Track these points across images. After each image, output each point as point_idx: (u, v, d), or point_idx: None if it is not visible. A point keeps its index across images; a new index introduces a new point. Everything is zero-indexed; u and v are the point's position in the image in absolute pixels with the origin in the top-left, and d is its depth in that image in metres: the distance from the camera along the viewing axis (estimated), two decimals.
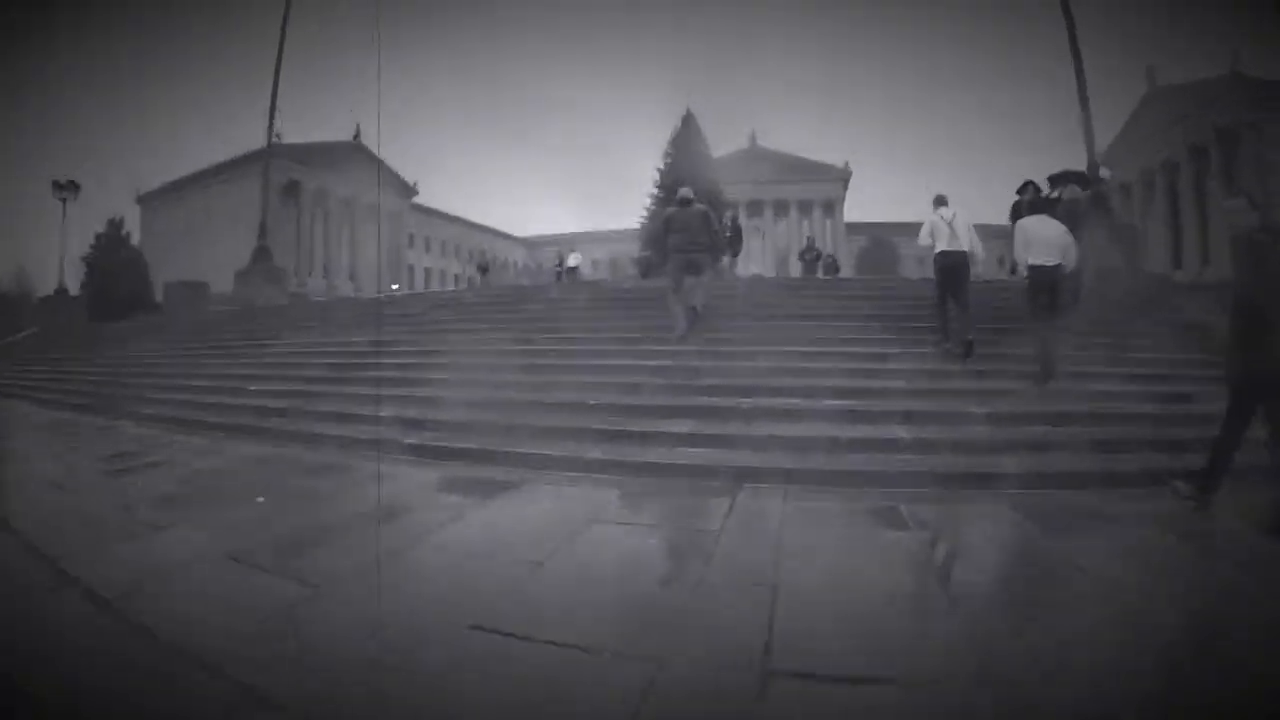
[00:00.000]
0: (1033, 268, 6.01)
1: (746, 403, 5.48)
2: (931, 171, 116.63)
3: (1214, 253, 36.46)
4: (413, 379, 7.15)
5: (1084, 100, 15.46)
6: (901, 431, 5.00)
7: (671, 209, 7.50)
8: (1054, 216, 6.39)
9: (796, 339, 7.02)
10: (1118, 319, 8.22)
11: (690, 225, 7.11)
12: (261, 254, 21.44)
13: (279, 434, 6.25)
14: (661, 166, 32.70)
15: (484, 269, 27.42)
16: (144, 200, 54.30)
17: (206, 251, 47.94)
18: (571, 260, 24.23)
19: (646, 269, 20.83)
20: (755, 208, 55.81)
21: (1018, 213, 8.17)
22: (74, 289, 28.42)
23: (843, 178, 56.46)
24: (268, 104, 20.71)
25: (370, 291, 50.30)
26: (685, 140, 32.50)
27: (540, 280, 25.16)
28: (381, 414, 6.17)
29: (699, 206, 7.39)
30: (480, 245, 60.25)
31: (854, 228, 56.10)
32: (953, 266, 6.67)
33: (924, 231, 6.88)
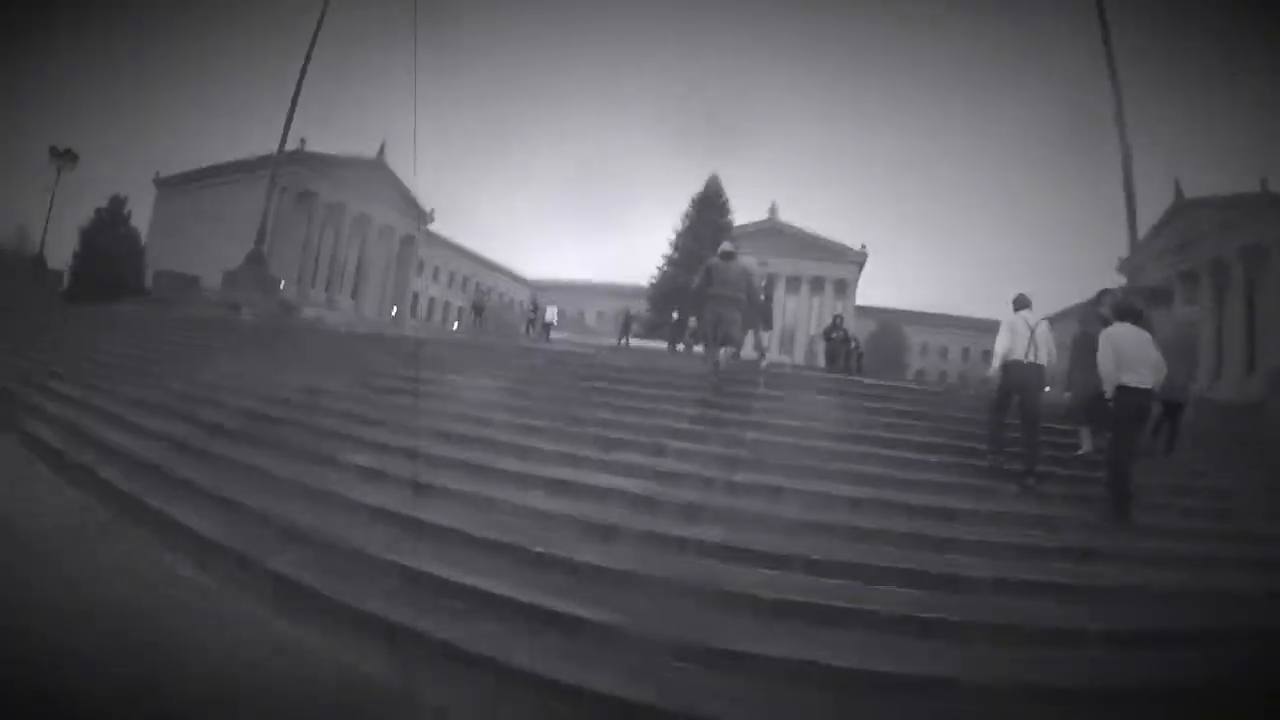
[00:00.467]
0: (1126, 390, 4.87)
1: (768, 581, 3.73)
2: (941, 260, 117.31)
3: (1227, 368, 35.55)
4: (306, 485, 4.88)
5: (1132, 219, 14.31)
6: (1001, 663, 3.25)
7: (715, 259, 7.14)
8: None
9: (835, 473, 5.31)
10: (1198, 459, 6.66)
11: (730, 279, 6.86)
12: (254, 258, 20.18)
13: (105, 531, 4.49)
14: (679, 228, 31.85)
15: (479, 309, 25.94)
16: (162, 184, 53.45)
17: (215, 246, 47.02)
18: (548, 315, 22.97)
19: (625, 329, 19.49)
20: (768, 281, 55.13)
21: (1092, 324, 6.83)
22: (58, 260, 27.15)
23: (858, 260, 55.97)
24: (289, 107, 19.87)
25: (370, 313, 49.05)
26: (707, 204, 31.76)
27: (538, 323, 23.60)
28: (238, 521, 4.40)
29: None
30: (486, 281, 59.50)
31: (862, 311, 55.18)
32: (1025, 382, 5.62)
33: (1002, 335, 5.78)
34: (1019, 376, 5.57)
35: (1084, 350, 5.79)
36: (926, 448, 5.99)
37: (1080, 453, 6.26)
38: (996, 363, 5.76)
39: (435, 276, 58.20)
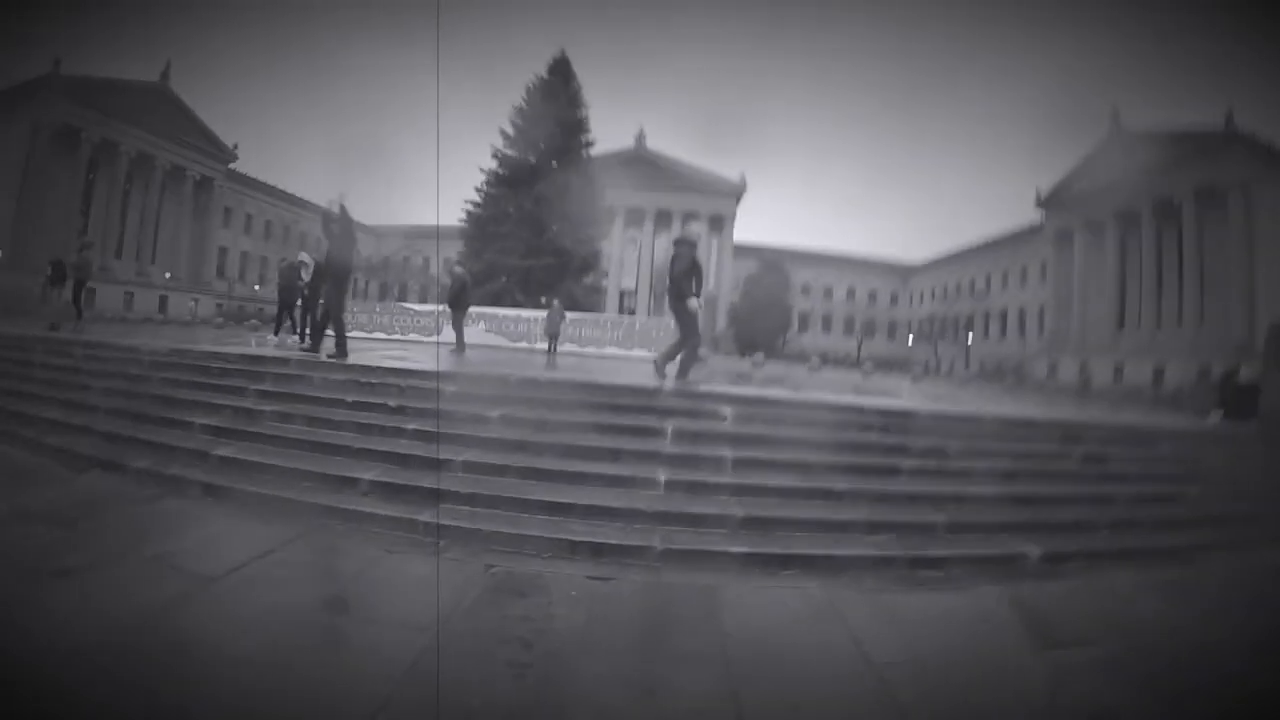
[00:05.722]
0: None
1: None
2: (828, 194, 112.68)
3: (1165, 316, 33.37)
4: None
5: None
6: None
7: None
8: None
9: None
10: None
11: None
12: None
13: None
14: (510, 130, 25.60)
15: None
16: None
17: None
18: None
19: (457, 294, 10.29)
20: (634, 216, 50.36)
21: None
22: None
23: (735, 192, 52.28)
24: None
25: (159, 283, 39.72)
26: (550, 92, 25.32)
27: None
28: None
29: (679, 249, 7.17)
30: (311, 230, 50.86)
31: (743, 250, 51.82)
32: None
33: None
34: None
35: None
36: None
37: None
38: None
39: (247, 228, 48.87)
